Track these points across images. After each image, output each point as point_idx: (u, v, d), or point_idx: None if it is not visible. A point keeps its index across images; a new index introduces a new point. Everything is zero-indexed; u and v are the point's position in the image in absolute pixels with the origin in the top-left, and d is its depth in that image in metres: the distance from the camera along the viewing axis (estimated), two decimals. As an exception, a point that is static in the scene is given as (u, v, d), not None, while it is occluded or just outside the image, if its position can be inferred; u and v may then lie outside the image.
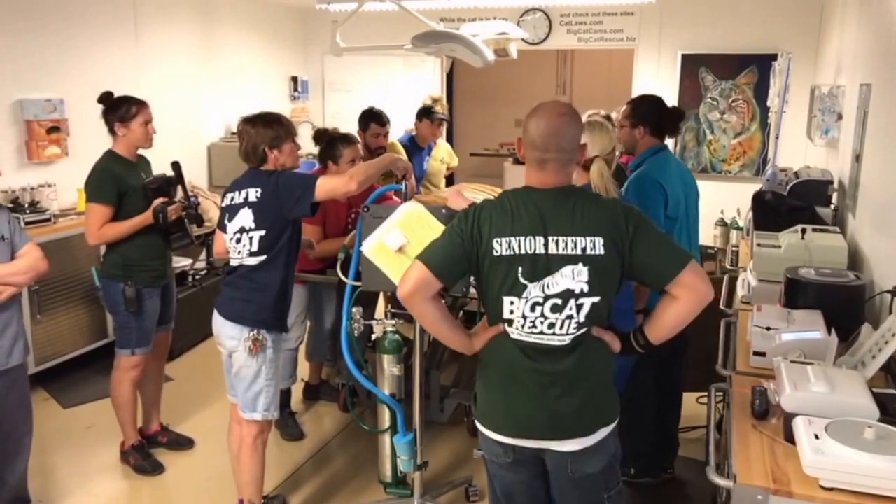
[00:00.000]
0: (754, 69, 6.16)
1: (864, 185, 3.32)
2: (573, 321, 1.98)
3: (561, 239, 1.94)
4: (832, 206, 3.92)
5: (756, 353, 2.40)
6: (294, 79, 7.37)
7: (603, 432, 2.08)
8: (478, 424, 2.16)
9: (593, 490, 2.15)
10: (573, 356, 2.02)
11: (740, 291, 3.22)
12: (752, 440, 1.94)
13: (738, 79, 6.24)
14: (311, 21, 7.41)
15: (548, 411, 2.03)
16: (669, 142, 6.27)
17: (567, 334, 1.99)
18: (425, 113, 5.26)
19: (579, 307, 1.96)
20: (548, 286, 1.95)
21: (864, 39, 3.75)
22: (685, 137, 6.47)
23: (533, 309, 1.97)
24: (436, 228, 2.80)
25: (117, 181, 3.37)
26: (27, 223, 4.28)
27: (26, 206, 4.54)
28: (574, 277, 1.94)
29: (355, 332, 3.01)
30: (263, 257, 2.88)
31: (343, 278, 3.02)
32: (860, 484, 1.66)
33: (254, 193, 2.86)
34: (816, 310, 2.56)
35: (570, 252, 1.94)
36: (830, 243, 3.08)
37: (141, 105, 3.45)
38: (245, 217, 2.86)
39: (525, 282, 1.95)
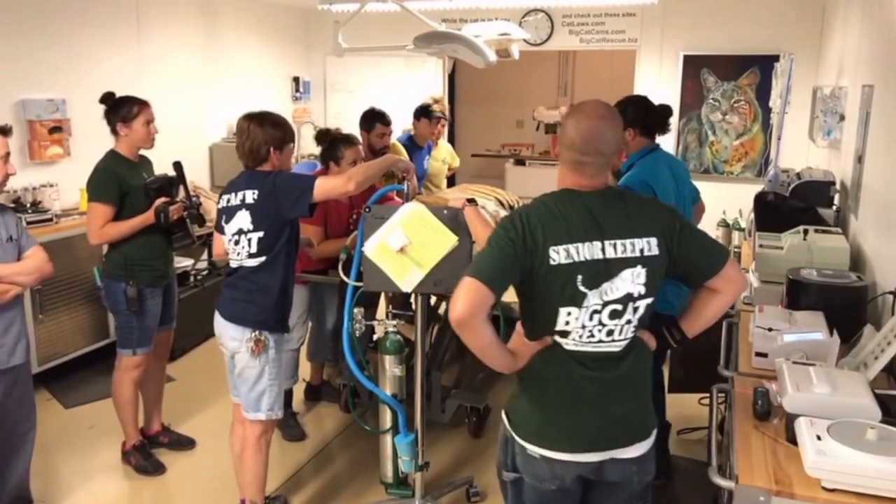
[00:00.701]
0: (756, 70, 6.15)
1: (867, 186, 3.32)
2: (631, 325, 1.93)
3: (619, 242, 1.88)
4: (834, 208, 3.92)
5: (758, 354, 2.41)
6: (296, 79, 7.37)
7: (654, 434, 2.06)
8: (524, 444, 2.00)
9: (639, 501, 2.10)
10: (627, 360, 1.97)
11: (742, 292, 3.22)
12: (753, 441, 1.94)
13: (740, 80, 6.23)
14: (313, 21, 7.41)
15: (610, 419, 1.97)
16: (672, 143, 6.33)
17: (624, 339, 1.94)
18: (423, 112, 5.25)
19: (635, 310, 1.91)
20: (606, 292, 1.87)
21: (867, 40, 3.75)
22: (687, 138, 6.47)
23: (591, 318, 1.89)
24: (437, 229, 2.80)
25: (119, 181, 3.38)
26: (29, 223, 4.29)
27: (28, 206, 4.55)
28: (633, 280, 1.88)
29: (357, 332, 3.01)
30: (263, 258, 2.86)
31: (345, 279, 3.02)
32: (862, 485, 1.66)
33: (251, 195, 2.83)
34: (818, 311, 2.56)
35: (629, 255, 1.88)
36: (832, 244, 3.08)
37: (143, 105, 3.45)
38: (243, 219, 2.84)
39: (584, 290, 1.86)
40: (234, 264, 2.94)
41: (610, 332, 1.91)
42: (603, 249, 1.87)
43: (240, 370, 2.94)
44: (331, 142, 3.86)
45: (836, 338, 2.29)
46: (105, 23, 5.22)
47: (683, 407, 4.11)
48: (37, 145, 4.71)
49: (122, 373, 3.56)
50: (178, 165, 3.58)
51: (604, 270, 1.87)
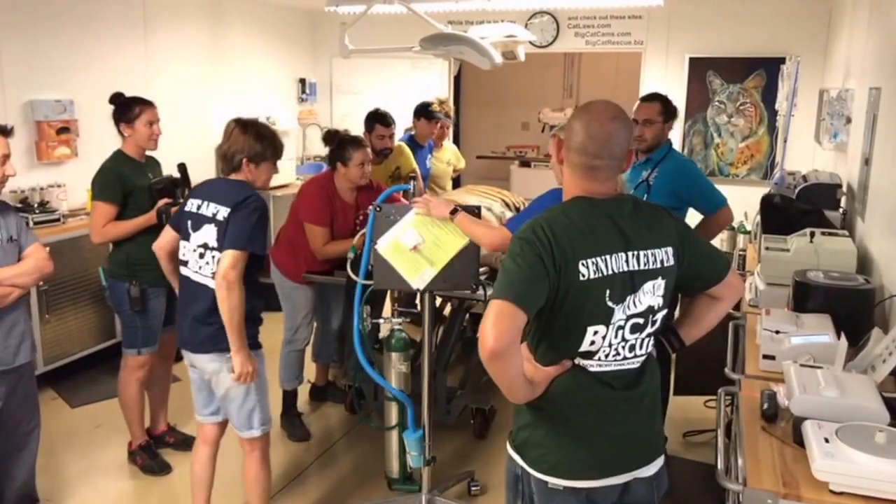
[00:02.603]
0: (762, 72, 6.14)
1: (874, 188, 3.31)
2: (650, 339, 1.87)
3: (642, 253, 1.78)
4: (841, 210, 3.91)
5: (765, 357, 2.40)
6: (302, 81, 7.39)
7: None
8: (545, 478, 1.84)
9: None
10: (645, 376, 1.90)
11: (747, 295, 3.22)
12: (761, 444, 1.93)
13: (745, 82, 6.22)
14: (320, 23, 7.43)
15: (634, 439, 1.89)
16: (677, 145, 6.32)
17: (644, 354, 1.87)
18: (422, 111, 5.25)
19: (654, 323, 1.85)
20: (629, 306, 1.78)
21: (874, 42, 3.74)
22: (692, 141, 6.46)
23: (616, 334, 1.79)
24: (450, 229, 2.85)
25: (122, 181, 3.40)
26: (36, 223, 4.31)
27: (36, 206, 4.56)
28: (654, 293, 1.81)
29: (364, 330, 3.03)
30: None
31: (353, 277, 3.04)
32: (870, 488, 1.65)
33: (223, 212, 2.67)
34: (825, 314, 2.55)
35: (651, 266, 1.80)
36: (839, 247, 3.07)
37: (146, 105, 3.46)
38: (209, 234, 2.69)
39: (612, 305, 1.75)
40: (196, 279, 2.75)
41: (632, 348, 1.83)
42: (627, 261, 1.77)
43: (224, 392, 2.79)
44: (339, 143, 3.86)
45: (844, 341, 2.28)
46: (112, 24, 5.24)
47: (690, 409, 4.11)
48: (44, 146, 4.73)
49: (128, 373, 3.57)
50: (182, 167, 3.60)
51: (629, 284, 1.77)
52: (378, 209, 2.91)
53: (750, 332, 2.74)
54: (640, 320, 1.81)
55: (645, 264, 1.79)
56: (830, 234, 3.26)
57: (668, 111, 3.57)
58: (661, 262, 1.82)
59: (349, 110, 7.36)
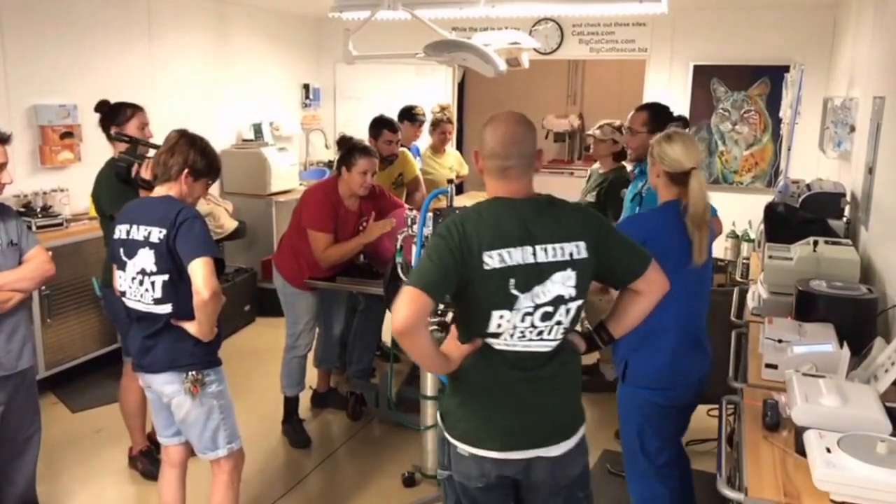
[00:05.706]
0: (766, 80, 6.14)
1: (877, 197, 3.30)
2: (561, 326, 2.01)
3: (549, 246, 1.96)
4: (844, 219, 3.90)
5: (768, 366, 2.39)
6: (306, 86, 7.40)
7: (581, 431, 2.13)
8: (455, 443, 2.08)
9: (573, 495, 2.17)
10: (555, 360, 2.05)
11: (750, 303, 3.21)
12: (763, 453, 1.93)
13: (750, 90, 6.22)
14: (324, 29, 7.45)
15: (537, 417, 2.06)
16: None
17: (554, 340, 2.02)
18: (406, 114, 5.31)
19: (567, 311, 1.99)
20: (538, 295, 1.95)
21: (878, 51, 3.74)
22: (696, 148, 6.45)
23: (523, 319, 1.96)
24: None
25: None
26: (39, 227, 4.32)
27: (38, 210, 4.57)
28: (564, 283, 1.96)
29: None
30: (169, 306, 2.57)
31: (405, 279, 3.10)
32: (871, 498, 1.64)
33: (157, 233, 2.53)
34: (828, 323, 2.54)
35: (559, 258, 1.96)
36: (842, 256, 3.06)
37: (136, 109, 3.43)
38: (146, 258, 2.55)
39: (516, 293, 1.94)
40: (139, 307, 2.62)
41: (540, 333, 1.99)
42: (534, 254, 1.94)
43: (183, 416, 2.67)
44: (349, 149, 3.87)
45: (846, 350, 2.27)
46: (117, 29, 5.26)
47: (692, 418, 4.09)
48: (48, 150, 4.74)
49: (129, 380, 3.55)
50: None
51: (535, 274, 1.94)
52: (438, 213, 2.98)
53: (752, 340, 2.73)
54: (550, 308, 1.97)
55: (552, 256, 1.96)
56: (834, 242, 3.24)
57: (658, 121, 3.41)
58: (571, 254, 1.97)
59: (353, 116, 7.37)
